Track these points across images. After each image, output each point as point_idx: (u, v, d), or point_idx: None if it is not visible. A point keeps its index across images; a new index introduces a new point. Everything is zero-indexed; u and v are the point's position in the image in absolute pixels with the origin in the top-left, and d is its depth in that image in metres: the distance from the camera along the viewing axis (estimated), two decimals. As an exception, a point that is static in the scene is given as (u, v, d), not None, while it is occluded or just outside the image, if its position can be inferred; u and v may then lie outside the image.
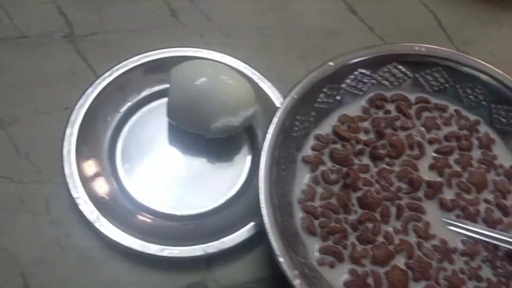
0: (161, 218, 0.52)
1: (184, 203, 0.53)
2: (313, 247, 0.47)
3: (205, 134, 0.53)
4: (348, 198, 0.49)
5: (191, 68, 0.52)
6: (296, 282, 0.43)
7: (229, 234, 0.50)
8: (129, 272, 0.49)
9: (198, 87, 0.50)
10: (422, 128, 0.54)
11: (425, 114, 0.55)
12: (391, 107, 0.55)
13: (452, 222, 0.48)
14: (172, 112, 0.52)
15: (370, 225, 0.48)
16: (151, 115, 0.57)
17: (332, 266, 0.46)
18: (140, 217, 0.51)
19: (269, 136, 0.48)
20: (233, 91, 0.51)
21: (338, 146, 0.52)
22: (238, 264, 0.50)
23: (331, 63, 0.53)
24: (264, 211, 0.45)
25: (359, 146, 0.52)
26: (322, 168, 0.51)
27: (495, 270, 0.47)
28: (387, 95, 0.55)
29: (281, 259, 0.43)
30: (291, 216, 0.48)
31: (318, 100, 0.53)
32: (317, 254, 0.47)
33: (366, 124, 0.54)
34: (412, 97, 0.56)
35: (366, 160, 0.52)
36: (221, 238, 0.49)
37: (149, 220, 0.51)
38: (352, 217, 0.48)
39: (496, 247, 0.47)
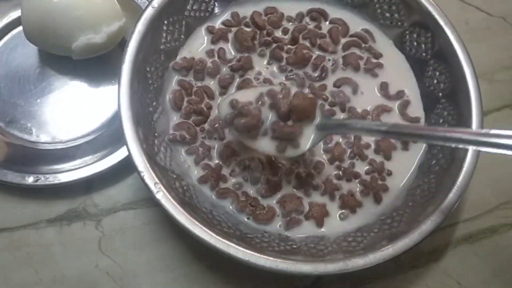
0: (33, 145, 0.50)
1: (58, 128, 0.51)
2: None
3: (71, 55, 0.50)
4: (230, 82, 0.48)
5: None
6: (159, 195, 0.41)
7: (105, 157, 0.48)
8: (4, 203, 0.48)
9: (52, 3, 0.47)
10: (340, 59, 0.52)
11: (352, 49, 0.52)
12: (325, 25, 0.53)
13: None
14: (29, 35, 0.49)
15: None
16: (17, 41, 0.53)
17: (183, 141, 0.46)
18: (12, 147, 0.49)
19: (129, 49, 0.46)
20: (90, 5, 0.48)
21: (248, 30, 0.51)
22: (119, 186, 0.50)
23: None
24: (125, 128, 0.43)
25: (267, 38, 0.51)
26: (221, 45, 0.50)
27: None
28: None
29: (142, 174, 0.42)
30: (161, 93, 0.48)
31: (187, 8, 0.50)
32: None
33: (288, 25, 0.52)
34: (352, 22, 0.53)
35: (265, 54, 0.51)
36: (98, 161, 0.48)
37: (22, 149, 0.49)
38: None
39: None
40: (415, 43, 0.52)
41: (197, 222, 0.41)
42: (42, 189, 0.47)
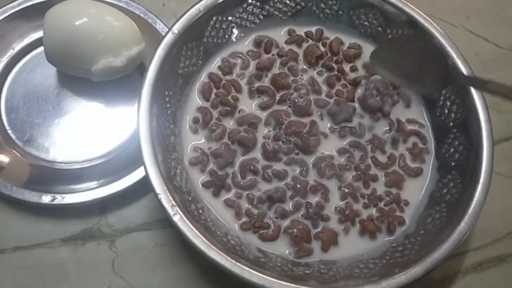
0: (50, 165, 0.51)
1: (75, 149, 0.52)
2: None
3: (90, 77, 0.51)
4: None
5: (67, 9, 0.50)
6: (176, 217, 0.42)
7: (121, 178, 0.49)
8: (20, 222, 0.49)
9: (74, 28, 0.48)
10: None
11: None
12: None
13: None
14: (50, 57, 0.50)
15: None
16: (37, 61, 0.55)
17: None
18: (29, 166, 0.50)
19: (148, 73, 0.47)
20: (111, 29, 0.49)
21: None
22: (133, 207, 0.50)
23: (213, -5, 0.51)
24: (143, 149, 0.44)
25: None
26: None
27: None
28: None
29: (159, 196, 0.42)
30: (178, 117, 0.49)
31: (205, 34, 0.51)
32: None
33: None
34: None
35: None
36: (113, 182, 0.48)
37: (38, 169, 0.50)
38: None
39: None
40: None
41: (212, 246, 0.41)
42: (58, 208, 0.48)
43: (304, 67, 0.53)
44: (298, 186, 0.47)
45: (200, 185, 0.47)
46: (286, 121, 0.50)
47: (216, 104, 0.50)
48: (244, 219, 0.46)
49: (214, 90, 0.51)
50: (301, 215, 0.47)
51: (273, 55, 0.53)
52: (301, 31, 0.55)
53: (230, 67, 0.52)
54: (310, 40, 0.54)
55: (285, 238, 0.46)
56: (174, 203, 0.42)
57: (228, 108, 0.50)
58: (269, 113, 0.50)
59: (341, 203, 0.47)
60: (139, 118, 0.45)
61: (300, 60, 0.53)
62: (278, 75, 0.51)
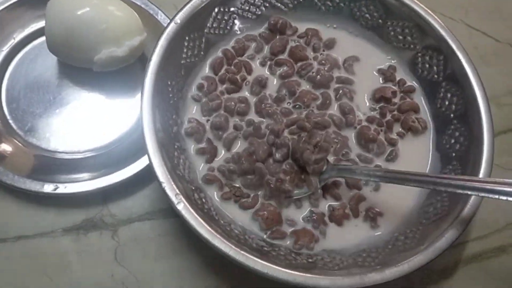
0: (52, 155, 0.50)
1: (76, 139, 0.52)
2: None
3: (92, 68, 0.51)
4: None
5: (68, -2, 0.49)
6: (180, 206, 0.42)
7: (123, 168, 0.49)
8: (22, 211, 0.48)
9: (76, 17, 0.48)
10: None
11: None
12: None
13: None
14: (52, 47, 0.50)
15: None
16: (38, 51, 0.54)
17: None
18: (30, 156, 0.50)
19: (151, 63, 0.47)
20: (115, 20, 0.49)
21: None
22: (135, 197, 0.50)
23: (215, -14, 0.51)
24: (147, 138, 0.44)
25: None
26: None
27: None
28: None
29: (163, 184, 0.42)
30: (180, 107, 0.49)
31: (207, 25, 0.51)
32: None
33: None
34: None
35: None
36: (115, 171, 0.48)
37: (40, 158, 0.50)
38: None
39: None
40: (427, 66, 0.53)
41: (216, 234, 0.41)
42: (60, 198, 0.48)
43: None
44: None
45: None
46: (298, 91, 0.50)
47: (224, 80, 0.50)
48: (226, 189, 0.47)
49: (225, 66, 0.51)
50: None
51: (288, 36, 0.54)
52: (302, 27, 0.55)
53: (243, 49, 0.52)
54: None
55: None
56: (178, 191, 0.42)
57: (234, 87, 0.50)
58: (282, 82, 0.51)
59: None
60: (142, 107, 0.45)
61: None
62: (296, 47, 0.52)
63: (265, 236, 0.45)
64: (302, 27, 0.55)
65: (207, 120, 0.49)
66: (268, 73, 0.52)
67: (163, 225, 0.49)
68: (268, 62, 0.52)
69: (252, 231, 0.45)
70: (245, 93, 0.51)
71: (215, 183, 0.47)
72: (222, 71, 0.51)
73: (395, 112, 0.51)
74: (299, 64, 0.52)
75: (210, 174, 0.47)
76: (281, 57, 0.53)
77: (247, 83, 0.51)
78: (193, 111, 0.50)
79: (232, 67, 0.51)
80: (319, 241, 0.46)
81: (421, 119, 0.51)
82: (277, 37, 0.54)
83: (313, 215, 0.46)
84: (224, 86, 0.51)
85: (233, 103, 0.50)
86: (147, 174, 0.48)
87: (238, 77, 0.51)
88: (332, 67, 0.52)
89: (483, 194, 0.39)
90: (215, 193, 0.47)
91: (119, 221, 0.49)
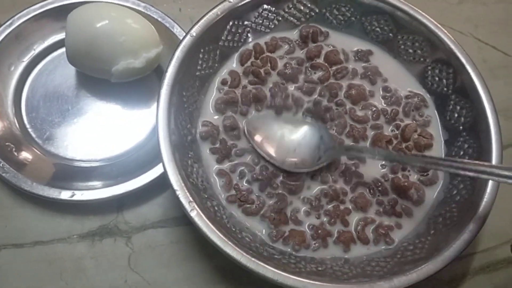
0: (69, 163, 0.52)
1: (94, 148, 0.53)
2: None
3: (109, 79, 0.52)
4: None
5: (89, 11, 0.51)
6: (193, 213, 0.43)
7: (137, 176, 0.50)
8: (39, 217, 0.50)
9: (95, 29, 0.50)
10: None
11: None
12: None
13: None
14: (71, 58, 0.52)
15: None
16: (58, 62, 0.56)
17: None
18: (48, 163, 0.51)
19: (167, 74, 0.48)
20: (133, 32, 0.51)
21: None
22: (149, 205, 0.51)
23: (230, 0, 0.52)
24: (162, 146, 0.45)
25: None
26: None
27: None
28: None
29: (177, 192, 0.44)
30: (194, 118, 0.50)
31: (222, 38, 0.53)
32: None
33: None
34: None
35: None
36: (130, 179, 0.50)
37: (57, 166, 0.51)
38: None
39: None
40: (437, 78, 0.54)
41: (228, 241, 0.42)
42: (76, 205, 0.49)
43: None
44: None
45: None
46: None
47: (248, 72, 0.52)
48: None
49: (252, 59, 0.53)
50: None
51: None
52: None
53: (275, 47, 0.54)
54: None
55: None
56: (191, 199, 0.43)
57: (257, 80, 0.52)
58: (323, 86, 0.53)
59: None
60: (158, 118, 0.46)
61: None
62: (330, 52, 0.54)
63: (270, 241, 0.46)
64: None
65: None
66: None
67: (176, 233, 0.50)
68: (304, 65, 0.54)
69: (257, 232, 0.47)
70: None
71: (225, 177, 0.48)
72: (248, 63, 0.53)
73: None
74: (334, 68, 0.54)
75: (222, 169, 0.48)
76: (317, 60, 0.54)
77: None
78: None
79: (258, 60, 0.53)
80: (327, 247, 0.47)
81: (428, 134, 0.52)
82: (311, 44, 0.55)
83: (318, 231, 0.47)
84: (247, 80, 0.52)
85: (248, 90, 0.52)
86: (161, 183, 0.49)
87: (262, 70, 0.52)
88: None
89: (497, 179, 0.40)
90: (222, 194, 0.48)
91: (133, 228, 0.50)
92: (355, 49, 0.56)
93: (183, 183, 0.44)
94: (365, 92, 0.53)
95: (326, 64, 0.54)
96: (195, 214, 0.43)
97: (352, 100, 0.53)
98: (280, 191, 0.48)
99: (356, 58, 0.55)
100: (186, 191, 0.44)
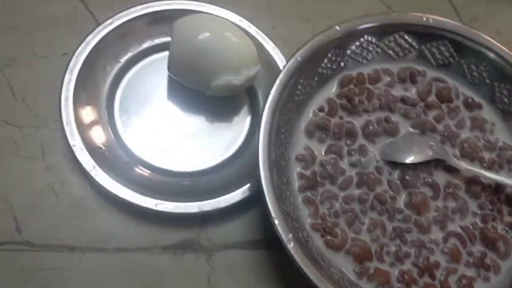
0: (157, 172, 0.51)
1: (181, 159, 0.52)
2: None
3: (205, 91, 0.52)
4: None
5: (195, 22, 0.51)
6: (290, 245, 0.43)
7: (224, 194, 0.50)
8: (123, 223, 0.49)
9: (201, 42, 0.49)
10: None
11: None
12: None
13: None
14: (172, 67, 0.51)
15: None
16: (152, 67, 0.56)
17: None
18: (136, 170, 0.51)
19: (270, 97, 0.48)
20: (236, 49, 0.50)
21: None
22: (232, 224, 0.51)
23: (337, 28, 0.52)
24: (262, 173, 0.45)
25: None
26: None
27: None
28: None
29: (276, 221, 0.43)
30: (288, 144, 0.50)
31: (321, 65, 0.52)
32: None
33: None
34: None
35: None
36: (216, 197, 0.49)
37: (144, 174, 0.51)
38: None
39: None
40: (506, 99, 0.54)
41: (323, 278, 0.42)
42: (161, 215, 0.49)
43: None
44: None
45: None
46: None
47: (342, 96, 0.52)
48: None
49: (352, 85, 0.53)
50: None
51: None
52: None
53: (376, 80, 0.53)
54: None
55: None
56: (287, 229, 0.43)
57: (348, 105, 0.51)
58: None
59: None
60: (260, 140, 0.46)
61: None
62: (443, 88, 0.54)
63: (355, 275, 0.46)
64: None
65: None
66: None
67: (257, 256, 0.50)
68: (418, 106, 0.53)
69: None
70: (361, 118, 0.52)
71: (311, 206, 0.47)
72: (346, 88, 0.52)
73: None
74: (445, 105, 0.54)
75: (310, 197, 0.48)
76: (430, 99, 0.54)
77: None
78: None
79: (357, 88, 0.53)
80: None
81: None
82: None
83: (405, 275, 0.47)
84: (339, 102, 0.52)
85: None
86: (247, 203, 0.49)
87: (356, 98, 0.51)
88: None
89: None
90: (308, 220, 0.47)
91: (215, 246, 0.49)
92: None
93: (280, 212, 0.44)
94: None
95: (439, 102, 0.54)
96: (292, 246, 0.43)
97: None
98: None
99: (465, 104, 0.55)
100: (284, 220, 0.43)
